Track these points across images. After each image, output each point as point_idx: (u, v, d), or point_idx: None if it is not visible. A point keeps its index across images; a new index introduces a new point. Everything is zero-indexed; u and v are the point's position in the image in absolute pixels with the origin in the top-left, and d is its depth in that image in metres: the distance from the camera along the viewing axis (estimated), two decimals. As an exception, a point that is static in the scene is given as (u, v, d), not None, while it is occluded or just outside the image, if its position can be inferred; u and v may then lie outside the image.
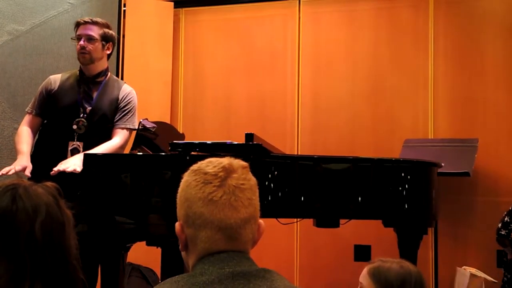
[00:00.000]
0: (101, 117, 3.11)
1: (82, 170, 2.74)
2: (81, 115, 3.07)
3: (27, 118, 3.19)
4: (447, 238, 4.29)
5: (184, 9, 5.10)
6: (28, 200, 1.11)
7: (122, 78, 4.48)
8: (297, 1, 4.83)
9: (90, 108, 3.10)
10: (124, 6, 4.70)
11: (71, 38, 3.24)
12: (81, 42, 3.11)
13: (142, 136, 3.04)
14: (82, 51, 3.11)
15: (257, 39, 4.94)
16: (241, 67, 4.94)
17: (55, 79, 3.19)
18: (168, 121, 4.63)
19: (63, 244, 1.12)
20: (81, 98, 3.11)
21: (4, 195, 1.11)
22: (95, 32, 3.14)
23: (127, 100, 3.20)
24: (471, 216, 4.30)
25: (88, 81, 3.15)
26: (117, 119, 3.16)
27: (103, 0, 4.44)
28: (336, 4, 4.78)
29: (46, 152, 3.07)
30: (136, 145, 3.07)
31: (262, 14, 4.95)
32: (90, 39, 3.12)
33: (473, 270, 3.92)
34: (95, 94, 3.14)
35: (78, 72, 3.19)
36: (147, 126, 3.08)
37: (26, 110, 3.22)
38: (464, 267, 4.01)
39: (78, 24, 3.18)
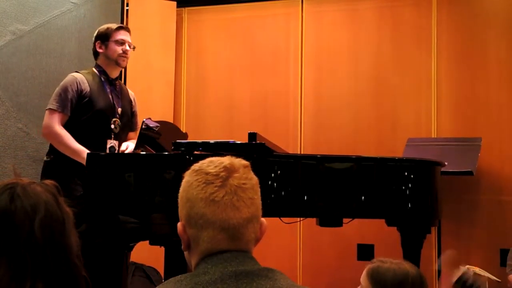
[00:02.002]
0: (127, 117, 3.33)
1: (86, 170, 2.76)
2: (116, 115, 3.25)
3: (57, 117, 3.17)
4: (450, 237, 4.28)
5: (186, 8, 5.10)
6: (26, 199, 1.10)
7: (125, 78, 4.49)
8: (300, 0, 4.83)
9: (120, 108, 3.29)
10: (127, 5, 4.70)
11: (105, 37, 3.28)
12: (127, 48, 3.29)
13: (145, 135, 3.05)
14: (125, 56, 3.28)
15: (259, 38, 4.93)
16: (244, 66, 4.94)
17: (82, 79, 3.23)
18: (171, 121, 4.63)
19: (63, 242, 1.12)
20: (112, 98, 3.27)
21: (2, 195, 1.11)
22: (130, 40, 3.35)
23: (135, 104, 3.45)
24: (474, 215, 4.30)
25: (113, 81, 3.33)
26: (135, 122, 3.40)
27: (106, 0, 4.44)
28: (339, 3, 4.77)
29: (88, 149, 3.07)
30: (139, 144, 3.07)
31: (265, 13, 4.95)
32: (130, 46, 3.32)
33: (477, 269, 3.91)
34: (119, 96, 3.33)
35: (96, 72, 3.29)
36: (150, 125, 3.09)
37: (51, 108, 3.19)
38: (467, 266, 4.00)
39: (120, 28, 3.34)
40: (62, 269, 1.09)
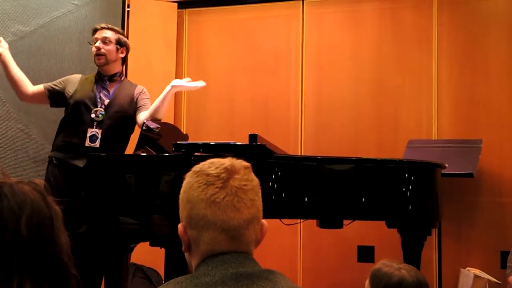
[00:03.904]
0: (118, 109, 3.38)
1: (86, 171, 2.77)
2: (99, 106, 3.35)
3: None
4: (450, 239, 4.28)
5: (187, 10, 5.10)
6: (13, 197, 1.11)
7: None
8: (301, 2, 4.83)
9: (108, 100, 3.38)
10: (128, 7, 4.71)
11: (88, 43, 3.51)
12: (97, 44, 3.40)
13: (146, 136, 3.05)
14: (97, 53, 3.40)
15: (260, 40, 4.93)
16: (245, 68, 4.94)
17: (77, 77, 3.51)
18: (171, 122, 4.63)
19: (51, 240, 1.12)
20: (99, 91, 3.40)
21: None
22: (110, 35, 3.44)
23: (143, 94, 3.49)
24: (475, 217, 4.29)
25: (105, 78, 3.44)
26: (140, 105, 3.42)
27: (107, 1, 4.45)
28: (340, 5, 4.77)
29: (68, 138, 3.36)
30: (139, 145, 3.08)
31: (266, 14, 4.95)
32: (105, 41, 3.41)
33: (477, 271, 3.91)
34: (112, 90, 3.42)
35: (95, 73, 3.49)
36: (151, 126, 3.09)
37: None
38: (467, 268, 4.00)
39: (95, 30, 3.47)
40: (50, 267, 1.10)
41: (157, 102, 3.34)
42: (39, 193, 1.15)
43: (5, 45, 3.40)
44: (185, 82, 3.41)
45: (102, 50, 3.38)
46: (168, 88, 3.35)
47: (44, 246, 1.10)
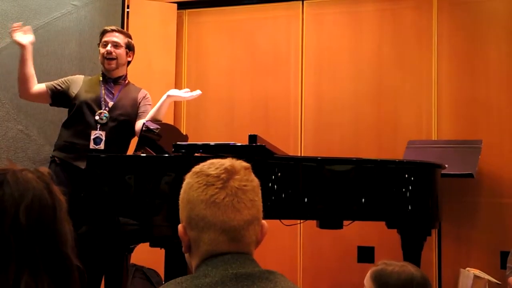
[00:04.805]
0: (122, 111, 3.41)
1: (86, 172, 2.76)
2: (103, 108, 3.36)
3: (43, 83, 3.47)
4: (450, 239, 4.28)
5: (187, 10, 5.10)
6: (15, 185, 1.10)
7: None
8: (301, 3, 4.83)
9: (112, 103, 3.39)
10: (128, 7, 4.71)
11: (97, 44, 3.49)
12: (108, 48, 3.40)
13: (146, 137, 3.05)
14: (109, 57, 3.40)
15: (260, 41, 4.93)
16: (245, 69, 4.94)
17: (80, 77, 3.51)
18: (171, 122, 4.63)
19: (53, 230, 1.10)
20: (103, 93, 3.40)
21: None
22: (120, 39, 3.44)
23: (145, 99, 3.50)
24: (474, 217, 4.29)
25: (110, 81, 3.45)
26: (141, 112, 3.44)
27: (107, 2, 4.45)
28: (340, 6, 4.77)
29: (71, 139, 3.38)
30: (139, 146, 3.08)
31: (266, 15, 4.95)
32: (116, 45, 3.41)
33: (477, 272, 3.91)
34: (116, 92, 3.44)
35: (100, 75, 3.49)
36: (151, 127, 3.09)
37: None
38: (467, 268, 4.00)
39: (104, 32, 3.46)
40: (50, 258, 1.08)
41: (152, 112, 3.37)
42: (44, 182, 1.13)
43: (31, 37, 3.36)
44: (181, 92, 3.42)
45: (114, 54, 3.40)
46: (163, 97, 3.36)
47: (45, 235, 1.09)
